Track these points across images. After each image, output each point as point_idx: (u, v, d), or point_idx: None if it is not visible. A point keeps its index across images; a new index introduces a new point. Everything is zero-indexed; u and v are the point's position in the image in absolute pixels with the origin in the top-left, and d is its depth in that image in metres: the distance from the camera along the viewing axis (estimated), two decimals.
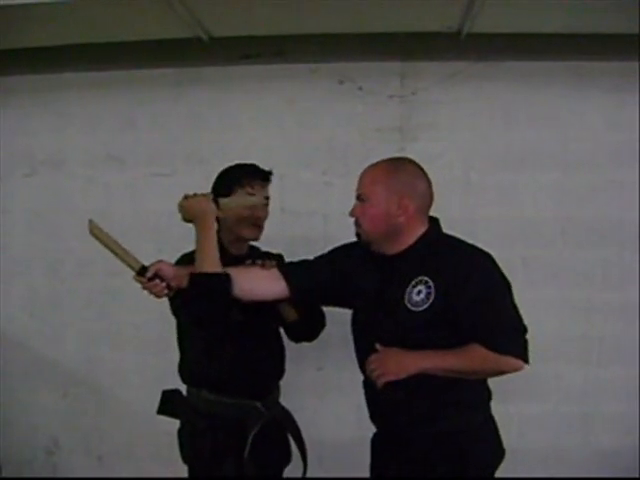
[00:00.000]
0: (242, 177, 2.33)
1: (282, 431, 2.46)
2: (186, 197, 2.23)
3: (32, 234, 3.60)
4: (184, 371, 2.42)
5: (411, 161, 2.10)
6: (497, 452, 2.09)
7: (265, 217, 2.39)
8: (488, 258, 2.01)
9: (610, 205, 3.32)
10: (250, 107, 3.44)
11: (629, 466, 3.20)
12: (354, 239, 2.16)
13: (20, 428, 3.59)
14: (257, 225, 2.36)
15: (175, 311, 2.36)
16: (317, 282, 2.18)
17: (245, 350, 2.32)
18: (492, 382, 2.10)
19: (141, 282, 2.09)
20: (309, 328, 2.44)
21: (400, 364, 1.95)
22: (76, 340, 3.57)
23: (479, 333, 1.92)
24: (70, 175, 3.56)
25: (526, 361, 1.95)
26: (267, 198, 2.38)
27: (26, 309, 3.60)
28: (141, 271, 2.08)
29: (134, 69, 3.49)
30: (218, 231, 2.34)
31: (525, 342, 1.97)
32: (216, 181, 2.40)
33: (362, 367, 2.10)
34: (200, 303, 2.10)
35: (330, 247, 2.30)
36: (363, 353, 2.08)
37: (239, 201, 2.32)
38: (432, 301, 1.94)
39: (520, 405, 3.27)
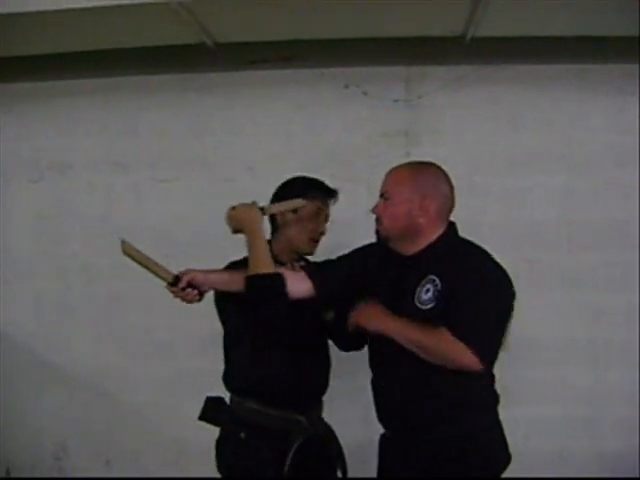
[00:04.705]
0: (316, 194, 2.34)
1: (324, 448, 2.40)
2: (233, 208, 2.24)
3: (38, 239, 3.62)
4: (230, 379, 2.38)
5: (435, 165, 2.12)
6: (502, 457, 2.09)
7: (324, 233, 2.40)
8: (497, 267, 2.01)
9: (615, 207, 3.32)
10: (256, 112, 3.45)
11: (637, 469, 3.19)
12: (361, 244, 2.20)
13: (28, 432, 3.59)
14: (315, 240, 2.37)
15: (223, 319, 2.35)
16: (338, 280, 2.21)
17: (294, 362, 2.29)
18: (498, 384, 2.10)
19: (174, 292, 2.12)
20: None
21: (370, 317, 2.01)
22: (83, 344, 3.58)
23: (451, 318, 1.91)
24: (75, 180, 3.58)
25: (484, 364, 1.92)
26: (327, 215, 2.39)
27: (33, 313, 3.61)
28: (174, 281, 2.11)
29: (139, 75, 3.51)
30: (270, 240, 2.32)
31: (491, 349, 1.96)
32: (282, 193, 2.38)
33: (372, 366, 2.12)
34: (260, 303, 2.14)
35: (337, 251, 2.31)
36: (374, 351, 2.10)
37: (283, 205, 2.32)
38: (438, 300, 1.96)
39: (526, 408, 3.24)
